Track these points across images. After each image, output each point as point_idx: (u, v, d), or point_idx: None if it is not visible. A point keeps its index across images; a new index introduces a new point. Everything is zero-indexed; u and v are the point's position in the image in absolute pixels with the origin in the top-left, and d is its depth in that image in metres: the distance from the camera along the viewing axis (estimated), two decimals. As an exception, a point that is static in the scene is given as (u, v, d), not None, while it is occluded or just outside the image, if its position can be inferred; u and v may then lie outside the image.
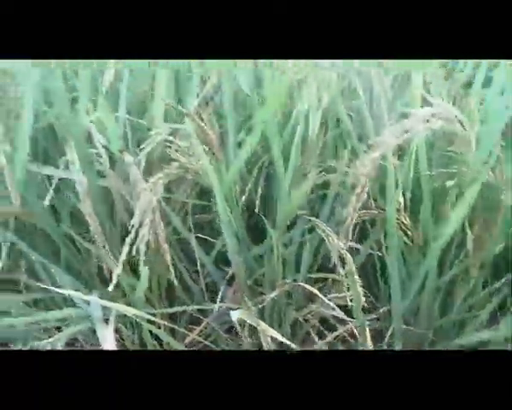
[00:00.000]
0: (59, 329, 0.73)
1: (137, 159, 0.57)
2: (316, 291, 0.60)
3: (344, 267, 0.54)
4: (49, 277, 0.72)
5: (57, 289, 0.52)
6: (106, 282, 0.75)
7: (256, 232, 0.80)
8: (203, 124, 0.59)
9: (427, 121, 0.46)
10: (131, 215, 0.66)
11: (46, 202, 0.58)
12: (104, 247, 0.59)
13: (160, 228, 0.55)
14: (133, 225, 0.52)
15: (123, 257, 0.52)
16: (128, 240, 0.52)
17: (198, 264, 0.74)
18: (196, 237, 0.73)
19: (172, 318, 0.79)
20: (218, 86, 0.76)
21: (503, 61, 0.65)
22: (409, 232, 0.67)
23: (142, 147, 0.57)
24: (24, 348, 0.74)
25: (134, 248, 0.52)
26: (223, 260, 0.79)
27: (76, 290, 0.69)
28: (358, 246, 0.70)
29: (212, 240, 0.76)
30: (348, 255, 0.54)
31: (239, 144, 0.70)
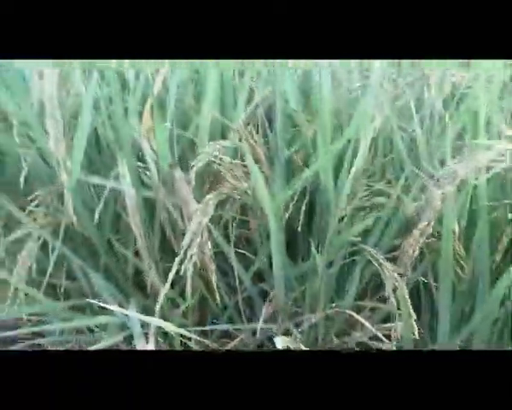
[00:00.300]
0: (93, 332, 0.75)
1: (188, 176, 0.56)
2: (364, 322, 0.57)
3: (397, 298, 0.52)
4: (90, 283, 0.73)
5: (104, 304, 0.52)
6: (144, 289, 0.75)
7: (295, 249, 0.78)
8: (252, 141, 0.58)
9: (503, 156, 0.42)
10: (173, 227, 0.66)
11: (96, 217, 0.58)
12: (149, 263, 0.59)
13: (208, 248, 0.54)
14: (182, 246, 0.51)
15: (171, 277, 0.51)
16: (177, 260, 0.51)
17: (236, 279, 0.73)
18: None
19: (204, 331, 0.78)
20: (265, 99, 0.75)
21: None
22: (462, 262, 0.64)
23: (192, 164, 0.57)
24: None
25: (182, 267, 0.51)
26: (260, 277, 0.77)
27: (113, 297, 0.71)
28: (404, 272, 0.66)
29: (250, 256, 0.75)
30: (404, 288, 0.51)
31: (287, 161, 0.68)
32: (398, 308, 0.53)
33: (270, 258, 0.74)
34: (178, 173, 0.57)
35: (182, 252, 0.52)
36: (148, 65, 0.72)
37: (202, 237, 0.53)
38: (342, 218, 0.60)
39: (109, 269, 0.74)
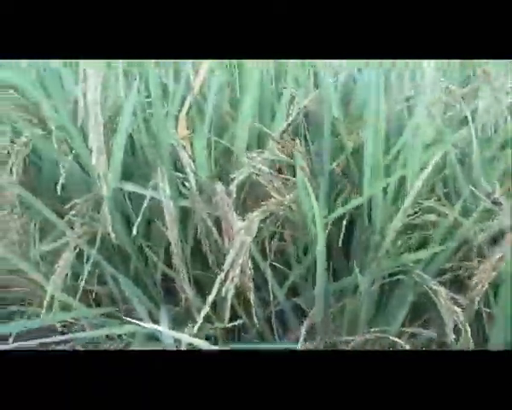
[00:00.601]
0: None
1: (229, 189, 0.53)
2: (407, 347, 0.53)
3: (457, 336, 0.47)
4: (121, 290, 0.72)
5: (138, 322, 0.50)
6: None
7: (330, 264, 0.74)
8: (296, 152, 0.55)
9: None
10: (210, 240, 0.63)
11: (134, 231, 0.56)
12: (183, 276, 0.57)
13: (248, 267, 0.51)
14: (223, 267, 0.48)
15: (211, 299, 0.49)
16: (218, 279, 0.48)
17: (270, 294, 0.70)
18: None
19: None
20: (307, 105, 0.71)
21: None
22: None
23: (233, 176, 0.54)
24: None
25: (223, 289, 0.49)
26: (294, 291, 0.74)
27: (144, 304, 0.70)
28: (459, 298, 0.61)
29: (285, 269, 0.71)
30: (468, 328, 0.46)
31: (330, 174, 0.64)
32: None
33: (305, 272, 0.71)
34: (219, 186, 0.54)
35: (223, 273, 0.49)
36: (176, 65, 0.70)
37: (244, 256, 0.50)
38: (392, 238, 0.56)
39: (142, 277, 0.72)
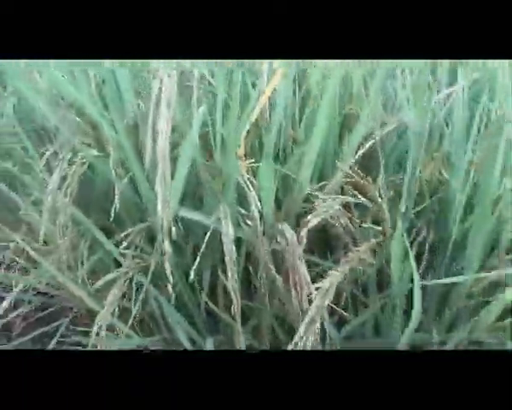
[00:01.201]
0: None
1: (301, 235, 0.47)
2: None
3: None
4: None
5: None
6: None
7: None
8: (378, 196, 0.47)
9: None
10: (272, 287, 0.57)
11: (191, 277, 0.51)
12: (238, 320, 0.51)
13: (316, 327, 0.44)
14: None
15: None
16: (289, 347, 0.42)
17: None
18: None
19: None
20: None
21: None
22: None
23: (308, 219, 0.47)
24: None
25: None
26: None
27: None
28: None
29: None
30: None
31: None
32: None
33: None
34: (288, 230, 0.48)
35: (293, 342, 0.43)
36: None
37: (318, 322, 0.43)
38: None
39: (186, 303, 0.68)
